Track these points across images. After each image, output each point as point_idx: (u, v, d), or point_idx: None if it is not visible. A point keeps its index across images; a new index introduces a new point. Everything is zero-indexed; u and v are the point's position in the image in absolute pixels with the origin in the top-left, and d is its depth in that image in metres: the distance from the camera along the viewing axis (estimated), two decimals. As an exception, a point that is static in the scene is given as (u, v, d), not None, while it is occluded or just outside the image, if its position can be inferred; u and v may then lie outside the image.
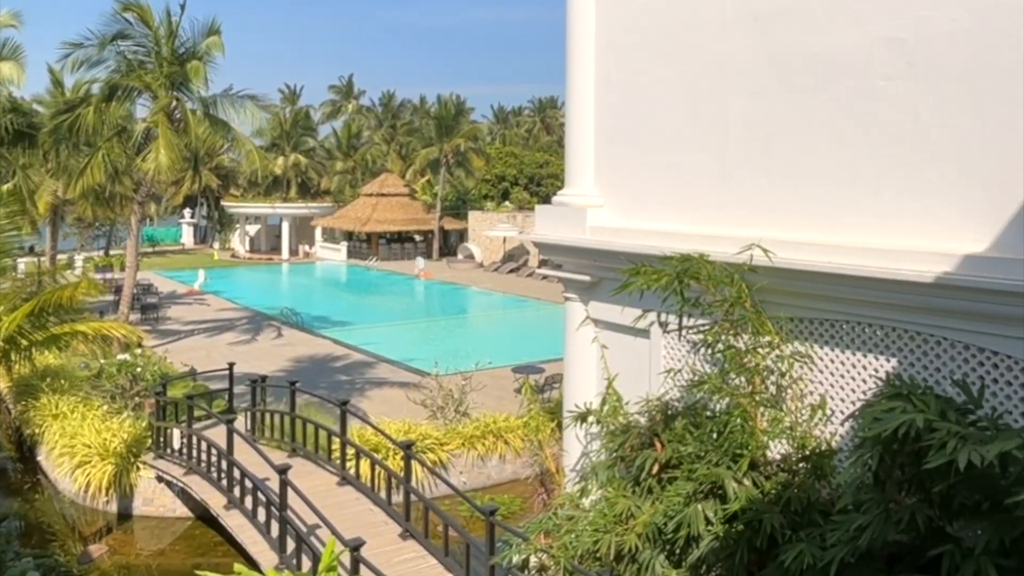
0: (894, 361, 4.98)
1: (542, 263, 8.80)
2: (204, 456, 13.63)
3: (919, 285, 4.67)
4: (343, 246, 52.41)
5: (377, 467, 12.56)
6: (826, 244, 5.19)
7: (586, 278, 7.11)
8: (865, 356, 5.15)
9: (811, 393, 5.38)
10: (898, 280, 4.75)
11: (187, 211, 60.22)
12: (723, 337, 5.40)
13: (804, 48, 5.54)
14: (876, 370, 5.04)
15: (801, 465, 5.01)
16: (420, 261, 46.38)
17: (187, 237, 61.06)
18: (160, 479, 14.79)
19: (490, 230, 47.32)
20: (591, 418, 6.51)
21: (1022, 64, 4.50)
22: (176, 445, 14.66)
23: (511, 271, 45.14)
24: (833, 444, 5.11)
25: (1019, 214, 4.54)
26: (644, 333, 6.44)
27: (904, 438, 3.87)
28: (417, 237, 52.99)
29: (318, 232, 54.57)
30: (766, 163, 5.83)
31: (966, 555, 3.73)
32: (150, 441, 15.48)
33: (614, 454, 6.00)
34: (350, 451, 13.22)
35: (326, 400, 15.98)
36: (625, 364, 6.75)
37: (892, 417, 3.89)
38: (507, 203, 53.04)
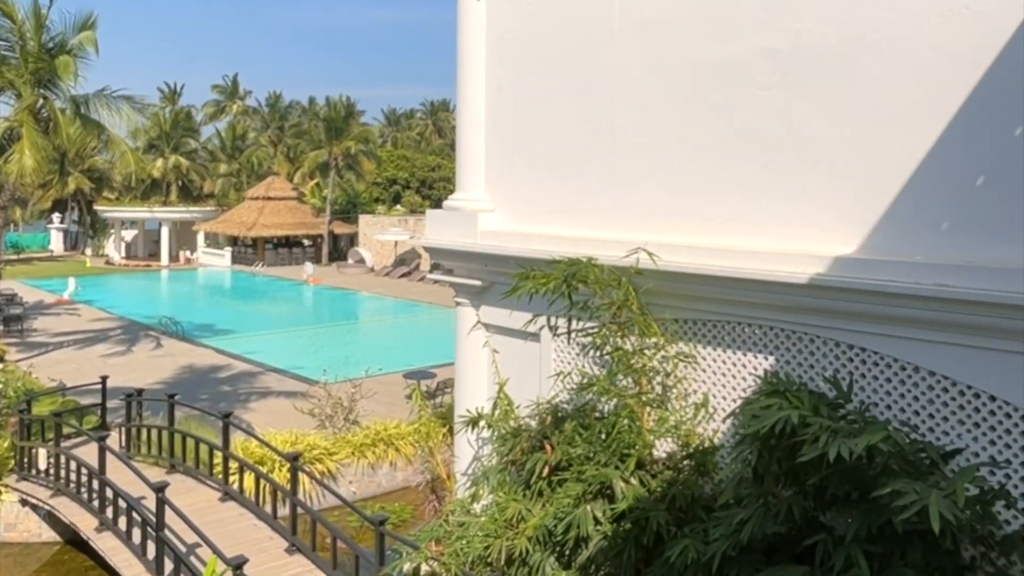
0: (772, 359, 5.17)
1: (433, 267, 8.70)
2: (73, 476, 12.78)
3: (794, 286, 4.86)
4: (227, 252, 50.53)
5: (262, 481, 12.11)
6: (710, 247, 5.35)
7: (477, 283, 7.08)
8: (745, 355, 5.33)
9: (695, 392, 5.52)
10: (775, 281, 4.93)
11: (56, 216, 56.64)
12: (611, 339, 5.49)
13: (688, 56, 5.70)
14: (755, 368, 5.23)
15: (686, 463, 5.14)
16: (309, 266, 45.26)
17: (56, 243, 57.36)
18: (24, 502, 13.78)
19: (381, 234, 46.72)
20: (482, 423, 6.49)
21: (885, 74, 4.77)
22: (42, 465, 13.68)
23: (403, 275, 44.71)
24: (716, 441, 5.27)
25: (885, 217, 4.80)
26: (534, 337, 6.47)
27: (781, 434, 4.02)
28: (306, 242, 51.67)
29: (200, 237, 52.38)
30: (652, 169, 5.96)
31: (838, 543, 3.90)
32: (13, 462, 14.42)
33: (505, 458, 6.00)
34: (233, 465, 12.69)
35: (207, 413, 15.29)
36: (516, 368, 6.75)
37: (769, 414, 4.03)
38: (398, 207, 52.54)
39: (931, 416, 4.48)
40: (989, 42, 4.36)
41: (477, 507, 6.07)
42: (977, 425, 4.31)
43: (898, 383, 4.61)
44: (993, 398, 4.26)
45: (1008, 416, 4.21)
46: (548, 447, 5.59)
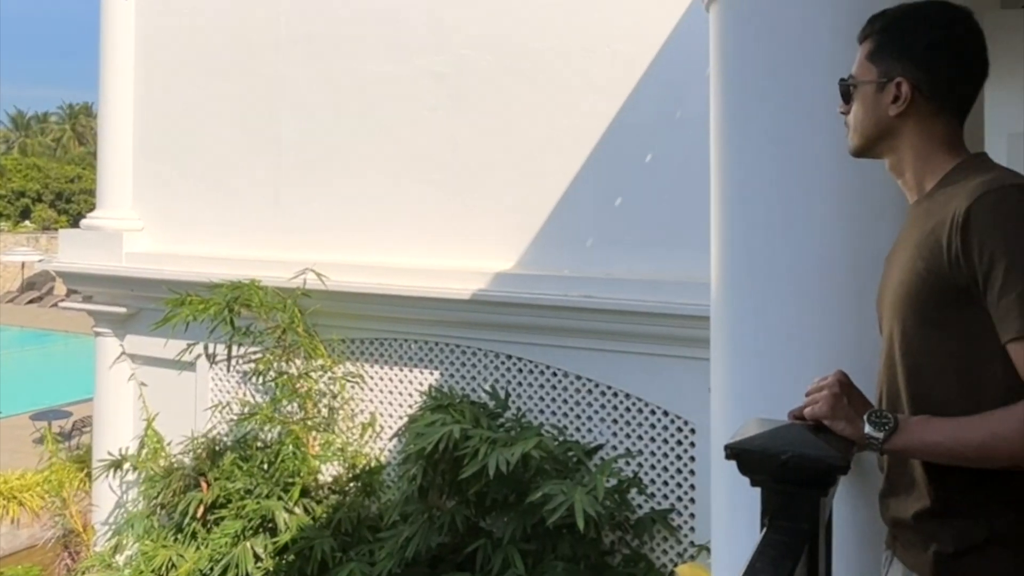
0: (438, 374, 5.27)
1: (70, 294, 7.60)
2: None
3: (458, 302, 5.02)
4: None
5: None
6: (378, 266, 5.33)
7: (122, 310, 6.31)
8: (412, 371, 5.36)
9: (362, 412, 5.43)
10: (441, 298, 5.05)
11: None
12: (275, 364, 5.23)
13: (356, 74, 5.64)
14: (422, 384, 5.28)
15: (352, 485, 5.01)
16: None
17: None
18: None
19: (6, 254, 40.29)
20: (127, 464, 5.79)
21: (538, 101, 5.13)
22: None
23: (31, 301, 38.88)
24: (383, 460, 5.21)
25: (539, 235, 5.16)
26: (190, 367, 5.90)
27: (444, 449, 4.09)
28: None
29: None
30: (321, 186, 5.79)
31: (496, 546, 4.07)
32: None
33: (153, 501, 5.38)
34: None
35: None
36: (169, 402, 6.11)
37: (433, 431, 4.10)
38: (27, 223, 45.76)
39: (578, 416, 4.87)
40: (626, 78, 4.89)
41: (120, 559, 5.38)
42: (615, 421, 4.77)
43: (550, 388, 4.96)
44: (628, 395, 4.74)
45: (640, 411, 4.72)
46: (204, 484, 5.11)
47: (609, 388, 4.79)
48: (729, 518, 2.25)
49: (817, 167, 2.10)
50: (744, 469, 1.49)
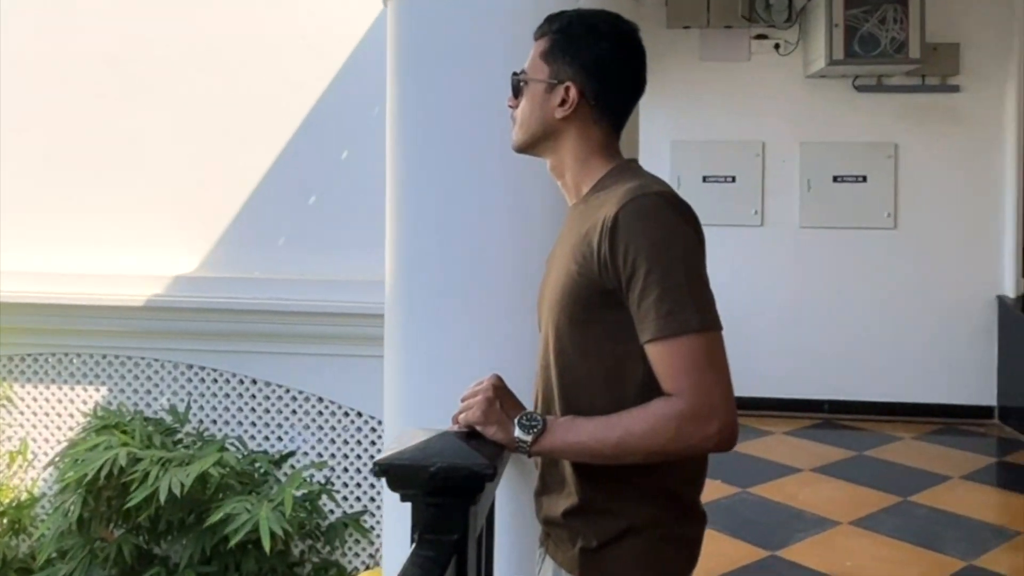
0: (105, 390, 4.70)
1: None
2: None
3: (131, 309, 4.55)
4: None
5: None
6: (33, 272, 4.62)
7: None
8: (74, 389, 4.74)
9: (11, 439, 4.68)
10: (110, 306, 4.55)
11: None
12: None
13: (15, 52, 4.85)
14: (86, 402, 4.68)
15: (-3, 523, 4.30)
16: None
17: None
18: None
19: None
20: None
21: (229, 96, 4.75)
22: None
23: None
24: (36, 492, 4.54)
25: (227, 235, 4.81)
26: None
27: (109, 475, 3.65)
28: None
29: None
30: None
31: (173, 571, 3.74)
32: None
33: None
34: None
35: None
36: None
37: (94, 457, 3.67)
38: None
39: (267, 425, 4.62)
40: (323, 74, 4.70)
41: None
42: (307, 427, 4.59)
43: (236, 397, 4.65)
44: (321, 399, 4.57)
45: (333, 414, 4.58)
46: None
47: (301, 393, 4.61)
48: (394, 530, 2.19)
49: (482, 166, 2.09)
50: (394, 485, 1.43)
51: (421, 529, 1.41)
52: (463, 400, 1.52)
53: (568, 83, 1.48)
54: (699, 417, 1.29)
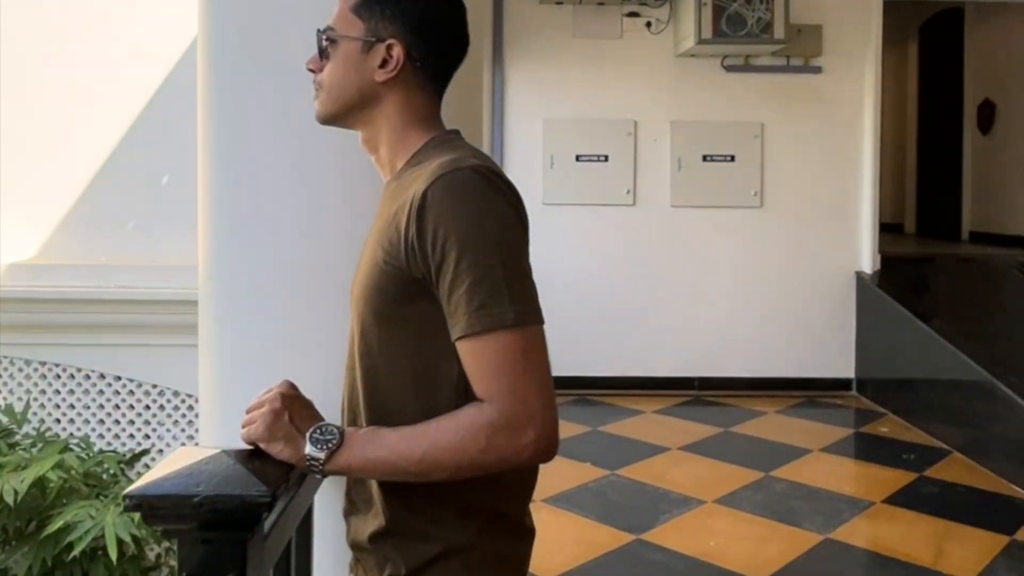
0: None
1: None
2: None
3: (-43, 299, 4.09)
4: None
5: None
6: None
7: None
8: None
9: None
10: (-68, 295, 4.08)
11: None
12: None
13: None
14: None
15: None
16: None
17: None
18: None
19: None
20: None
21: (52, 63, 4.35)
22: None
23: None
24: None
25: (69, 219, 4.44)
26: None
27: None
28: None
29: None
30: None
31: (10, 588, 3.43)
32: None
33: None
34: None
35: None
36: None
37: None
38: None
39: (117, 422, 4.31)
40: (173, 45, 4.34)
41: None
42: (162, 423, 4.31)
43: (82, 393, 4.32)
44: (177, 392, 4.31)
45: (191, 408, 4.32)
46: None
47: (155, 387, 4.31)
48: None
49: (295, 138, 1.80)
50: (151, 520, 1.22)
51: (188, 570, 1.21)
52: (247, 412, 1.31)
53: (391, 41, 1.30)
54: (512, 426, 1.13)
